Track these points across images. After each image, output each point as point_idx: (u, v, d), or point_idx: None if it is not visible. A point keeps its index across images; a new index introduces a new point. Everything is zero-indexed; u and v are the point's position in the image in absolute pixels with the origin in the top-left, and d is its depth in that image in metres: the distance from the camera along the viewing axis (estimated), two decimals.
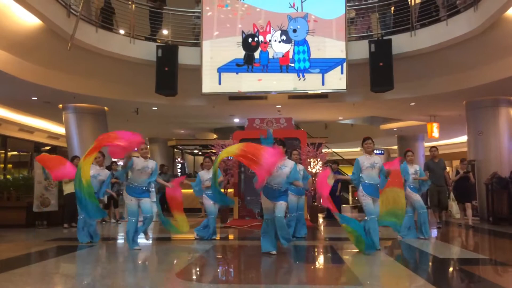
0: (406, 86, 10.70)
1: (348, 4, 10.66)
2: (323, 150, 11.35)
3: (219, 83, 10.64)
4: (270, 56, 10.55)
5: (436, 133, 14.58)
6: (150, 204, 6.68)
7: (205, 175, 7.65)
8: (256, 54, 10.56)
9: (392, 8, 10.61)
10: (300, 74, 10.47)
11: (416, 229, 7.60)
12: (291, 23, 10.54)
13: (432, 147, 9.70)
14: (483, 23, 8.23)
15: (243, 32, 10.61)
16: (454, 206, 9.65)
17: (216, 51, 10.62)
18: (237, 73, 10.61)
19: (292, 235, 7.23)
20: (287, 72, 10.50)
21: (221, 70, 10.62)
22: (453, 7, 9.40)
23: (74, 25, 8.60)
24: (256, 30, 10.57)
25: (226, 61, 10.64)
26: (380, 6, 10.64)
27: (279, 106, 12.43)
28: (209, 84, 10.61)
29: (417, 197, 7.59)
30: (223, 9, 10.74)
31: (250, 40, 10.58)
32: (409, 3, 10.08)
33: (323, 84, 10.43)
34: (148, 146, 7.09)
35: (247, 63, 10.58)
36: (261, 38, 10.57)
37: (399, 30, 10.09)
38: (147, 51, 10.24)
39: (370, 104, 12.49)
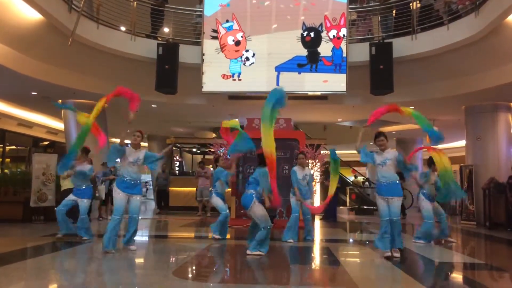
0: (406, 90, 10.70)
1: (350, 6, 10.66)
2: (322, 152, 11.35)
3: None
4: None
5: None
6: (139, 203, 6.15)
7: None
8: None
9: (394, 12, 10.63)
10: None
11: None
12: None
13: None
14: (484, 28, 8.25)
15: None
16: None
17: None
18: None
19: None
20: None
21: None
22: (454, 12, 9.41)
23: (75, 21, 8.59)
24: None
25: None
26: (382, 9, 10.65)
27: None
28: (210, 83, 10.61)
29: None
30: (224, 8, 10.74)
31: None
32: (411, 7, 10.10)
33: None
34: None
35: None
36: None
37: (400, 34, 10.10)
38: (147, 48, 10.22)
39: (370, 107, 12.42)
